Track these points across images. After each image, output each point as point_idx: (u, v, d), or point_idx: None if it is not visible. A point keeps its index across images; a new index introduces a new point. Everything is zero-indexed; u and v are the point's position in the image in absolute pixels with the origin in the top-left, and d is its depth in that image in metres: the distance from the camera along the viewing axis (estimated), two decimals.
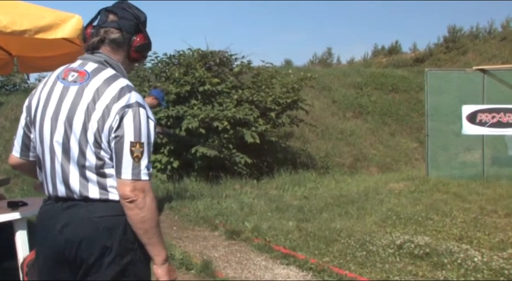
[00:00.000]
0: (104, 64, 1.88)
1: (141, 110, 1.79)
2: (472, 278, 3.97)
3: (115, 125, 1.75)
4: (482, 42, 24.03)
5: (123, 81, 1.83)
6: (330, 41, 74.62)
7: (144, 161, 1.77)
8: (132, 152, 1.74)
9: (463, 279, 3.97)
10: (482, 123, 8.85)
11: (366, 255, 4.74)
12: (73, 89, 1.82)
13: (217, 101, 9.20)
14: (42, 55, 4.75)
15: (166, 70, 9.84)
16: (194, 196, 7.59)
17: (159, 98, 6.64)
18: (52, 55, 4.62)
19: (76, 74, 1.85)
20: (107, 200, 1.81)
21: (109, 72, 1.85)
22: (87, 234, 1.78)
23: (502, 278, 3.93)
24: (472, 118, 8.88)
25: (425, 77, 9.44)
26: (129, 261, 1.82)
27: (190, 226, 6.30)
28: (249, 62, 10.35)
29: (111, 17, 1.91)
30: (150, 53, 10.15)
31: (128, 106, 1.77)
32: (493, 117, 8.79)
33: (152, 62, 10.03)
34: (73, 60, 4.58)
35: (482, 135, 9.07)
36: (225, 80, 9.66)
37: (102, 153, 1.78)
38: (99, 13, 1.95)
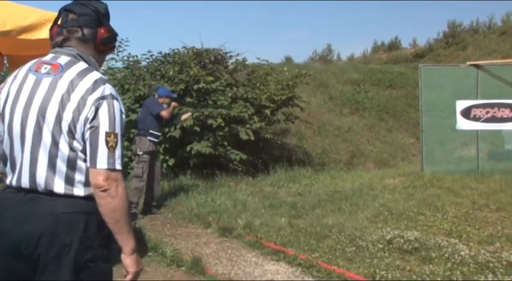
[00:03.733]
0: (77, 58, 1.91)
1: (115, 102, 1.84)
2: (458, 272, 3.99)
3: (90, 116, 1.78)
4: (482, 37, 23.99)
5: (96, 74, 1.87)
6: (330, 38, 74.62)
7: (118, 152, 1.81)
8: (107, 142, 1.78)
9: (449, 273, 3.99)
10: (476, 119, 8.86)
11: (355, 250, 4.76)
12: (46, 81, 1.85)
13: (211, 99, 9.22)
14: (32, 54, 4.74)
15: (161, 68, 9.87)
16: (189, 194, 7.61)
17: (168, 94, 6.94)
18: (42, 53, 4.61)
19: (49, 67, 1.88)
20: (71, 196, 1.83)
21: (82, 65, 1.89)
22: (48, 229, 1.79)
23: (487, 271, 3.95)
24: (466, 113, 8.89)
25: (419, 72, 9.45)
26: (89, 259, 1.83)
27: (183, 224, 6.34)
28: (244, 60, 10.39)
29: (71, 16, 1.93)
30: (144, 52, 10.17)
31: (102, 98, 1.80)
32: (487, 112, 8.80)
33: (147, 60, 10.08)
34: None
35: (477, 130, 9.08)
36: (219, 78, 9.68)
37: (75, 143, 1.81)
38: (60, 13, 1.97)
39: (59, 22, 1.98)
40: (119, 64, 9.79)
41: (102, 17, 1.96)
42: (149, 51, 10.01)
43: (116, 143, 1.80)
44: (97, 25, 1.94)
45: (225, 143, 9.05)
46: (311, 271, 4.36)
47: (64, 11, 1.95)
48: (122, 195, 1.80)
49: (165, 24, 74.22)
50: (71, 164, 1.82)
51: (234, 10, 72.96)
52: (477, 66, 9.26)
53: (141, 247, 5.15)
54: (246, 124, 9.21)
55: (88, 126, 1.78)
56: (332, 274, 4.21)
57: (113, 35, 2.00)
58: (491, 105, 8.83)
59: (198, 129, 8.71)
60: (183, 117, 7.43)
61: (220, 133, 8.91)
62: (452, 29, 25.63)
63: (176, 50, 10.03)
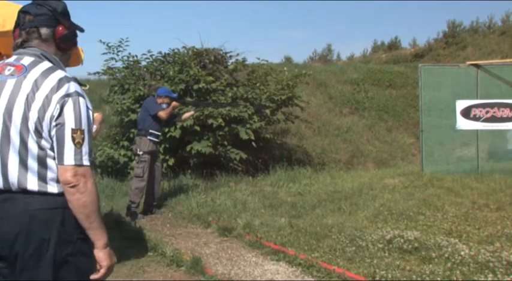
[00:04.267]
0: (41, 57, 1.93)
1: (81, 99, 1.87)
2: (458, 272, 3.99)
3: (56, 114, 1.81)
4: (482, 37, 24.02)
5: (60, 73, 1.89)
6: (330, 38, 74.59)
7: (85, 148, 1.84)
8: (73, 139, 1.81)
9: (449, 273, 3.99)
10: (476, 118, 8.87)
11: (355, 250, 4.76)
12: (11, 82, 1.87)
13: (211, 99, 9.22)
14: None
15: (161, 68, 9.86)
16: (188, 194, 7.61)
17: (167, 94, 6.80)
18: None
19: (13, 68, 1.90)
20: (45, 193, 1.85)
21: (46, 64, 1.91)
22: (24, 227, 1.80)
23: (487, 271, 3.95)
24: (466, 113, 8.91)
25: (419, 72, 9.46)
26: (69, 253, 1.85)
27: (183, 223, 6.34)
28: (244, 60, 10.38)
29: (28, 17, 1.95)
30: (144, 52, 10.13)
31: (67, 95, 1.83)
32: (487, 112, 8.81)
33: (147, 60, 10.07)
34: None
35: (477, 130, 9.09)
36: (219, 78, 9.69)
37: (43, 142, 1.83)
38: (18, 15, 1.98)
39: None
40: (119, 64, 9.78)
41: (60, 16, 1.97)
42: (149, 51, 10.01)
43: (83, 139, 1.83)
44: (55, 24, 1.96)
45: (225, 143, 9.05)
46: (311, 271, 4.36)
47: (21, 13, 1.97)
48: (91, 190, 1.83)
49: (165, 24, 74.19)
50: (42, 163, 1.84)
51: (233, 10, 72.92)
52: (477, 66, 9.27)
53: (141, 247, 5.16)
54: (246, 124, 9.21)
55: (54, 124, 1.81)
56: (332, 274, 4.20)
57: (71, 32, 2.01)
58: (491, 105, 8.84)
59: (198, 129, 8.71)
60: (184, 116, 7.37)
61: (220, 133, 8.91)
62: (452, 29, 25.68)
63: (176, 50, 10.04)
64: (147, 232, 5.71)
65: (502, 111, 8.83)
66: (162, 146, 8.71)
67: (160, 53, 10.10)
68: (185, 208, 6.88)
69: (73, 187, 1.80)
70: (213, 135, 8.92)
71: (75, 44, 2.07)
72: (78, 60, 4.79)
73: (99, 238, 1.89)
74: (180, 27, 66.25)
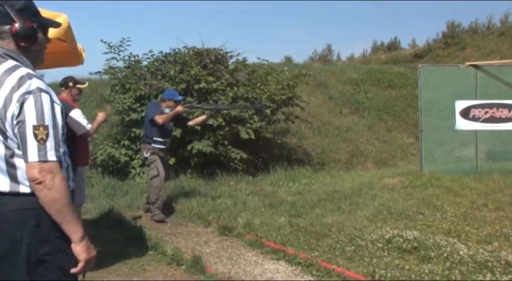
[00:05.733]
0: (4, 56, 1.91)
1: (44, 95, 1.85)
2: (457, 271, 4.02)
3: (16, 112, 1.80)
4: (481, 38, 24.04)
5: (23, 70, 1.87)
6: (330, 38, 74.61)
7: (49, 143, 1.82)
8: (35, 135, 1.80)
9: (447, 272, 4.03)
10: (475, 119, 8.90)
11: (355, 250, 4.79)
12: None
13: (212, 99, 9.25)
14: None
15: (162, 68, 9.90)
16: (189, 193, 7.65)
17: (171, 97, 6.38)
18: None
19: None
20: (18, 194, 1.85)
21: (9, 63, 1.89)
22: None
23: (485, 271, 3.99)
24: (465, 114, 8.94)
25: (419, 73, 9.48)
26: (46, 252, 1.85)
27: (184, 222, 6.37)
28: (244, 60, 10.42)
29: None
30: (145, 51, 10.10)
31: (28, 93, 1.82)
32: (486, 112, 8.84)
33: (148, 60, 10.11)
34: (62, 58, 4.57)
35: (476, 130, 9.12)
36: (220, 78, 9.72)
37: (9, 142, 1.84)
38: None
39: None
40: (120, 64, 9.81)
41: (17, 12, 1.92)
42: (150, 51, 10.06)
43: (47, 135, 1.82)
44: (11, 21, 1.92)
45: (226, 142, 9.08)
46: (311, 270, 4.39)
47: None
48: (59, 185, 1.81)
49: (166, 24, 74.19)
50: (10, 163, 1.85)
51: (234, 10, 72.95)
52: (476, 66, 9.29)
53: (142, 246, 5.20)
54: (247, 123, 9.25)
55: (15, 122, 1.81)
56: (332, 273, 4.23)
57: (27, 30, 1.94)
58: (490, 106, 8.87)
59: (198, 128, 8.74)
60: (196, 120, 6.83)
61: (221, 132, 8.95)
62: (451, 30, 25.69)
63: (177, 50, 10.07)
64: (147, 230, 5.74)
65: (501, 111, 8.86)
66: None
67: (161, 52, 10.17)
68: (186, 207, 6.92)
69: (39, 183, 1.79)
70: (213, 135, 8.95)
71: (34, 41, 1.99)
72: (79, 60, 4.83)
73: (74, 231, 1.87)
74: (181, 27, 66.21)
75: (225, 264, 4.71)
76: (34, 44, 1.99)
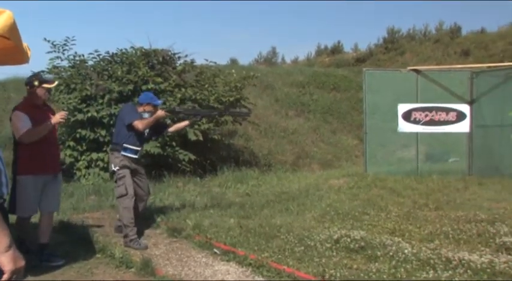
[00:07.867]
0: None
1: None
2: (402, 269, 4.16)
3: None
4: (419, 44, 25.04)
5: None
6: (274, 40, 75.28)
7: None
8: None
9: (393, 270, 4.16)
10: (416, 122, 9.28)
11: (304, 250, 4.85)
12: None
13: (160, 100, 9.13)
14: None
15: (109, 68, 9.69)
16: None
17: (150, 101, 5.57)
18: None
19: None
20: None
21: None
22: None
23: (428, 268, 4.16)
24: (407, 116, 9.29)
25: (363, 76, 9.76)
26: None
27: None
28: (192, 61, 10.40)
29: None
30: (91, 51, 9.82)
31: None
32: (426, 115, 9.23)
33: (94, 60, 9.86)
34: (5, 56, 4.38)
35: (417, 133, 9.49)
36: (168, 79, 9.62)
37: None
38: None
39: None
40: (65, 63, 9.53)
41: None
42: (96, 51, 9.84)
43: None
44: None
45: (174, 144, 9.00)
46: (261, 271, 4.40)
47: None
48: None
49: (112, 24, 72.42)
50: None
51: (181, 10, 72.14)
52: (417, 71, 9.68)
53: (89, 249, 5.06)
54: (195, 125, 9.19)
55: None
56: (282, 274, 4.26)
57: None
58: (430, 109, 9.27)
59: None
60: (177, 126, 6.18)
61: (169, 133, 8.84)
62: (391, 35, 26.61)
63: (124, 50, 9.89)
64: (94, 233, 5.60)
65: (440, 114, 9.28)
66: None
67: (107, 52, 9.95)
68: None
69: None
70: (161, 136, 8.83)
71: None
72: (24, 58, 4.63)
73: None
74: (127, 27, 64.65)
75: (175, 266, 4.66)
76: None
